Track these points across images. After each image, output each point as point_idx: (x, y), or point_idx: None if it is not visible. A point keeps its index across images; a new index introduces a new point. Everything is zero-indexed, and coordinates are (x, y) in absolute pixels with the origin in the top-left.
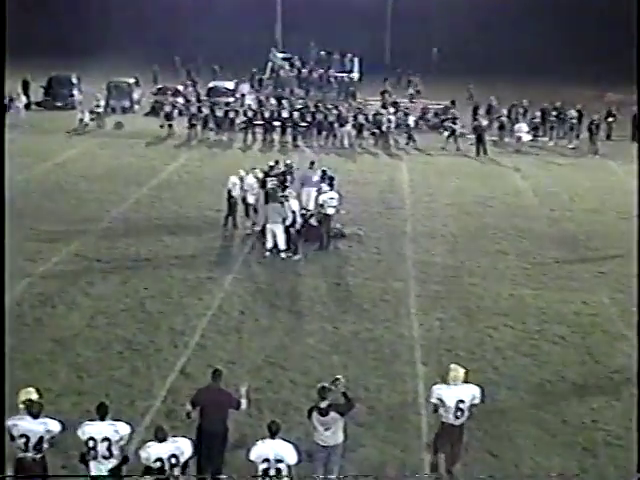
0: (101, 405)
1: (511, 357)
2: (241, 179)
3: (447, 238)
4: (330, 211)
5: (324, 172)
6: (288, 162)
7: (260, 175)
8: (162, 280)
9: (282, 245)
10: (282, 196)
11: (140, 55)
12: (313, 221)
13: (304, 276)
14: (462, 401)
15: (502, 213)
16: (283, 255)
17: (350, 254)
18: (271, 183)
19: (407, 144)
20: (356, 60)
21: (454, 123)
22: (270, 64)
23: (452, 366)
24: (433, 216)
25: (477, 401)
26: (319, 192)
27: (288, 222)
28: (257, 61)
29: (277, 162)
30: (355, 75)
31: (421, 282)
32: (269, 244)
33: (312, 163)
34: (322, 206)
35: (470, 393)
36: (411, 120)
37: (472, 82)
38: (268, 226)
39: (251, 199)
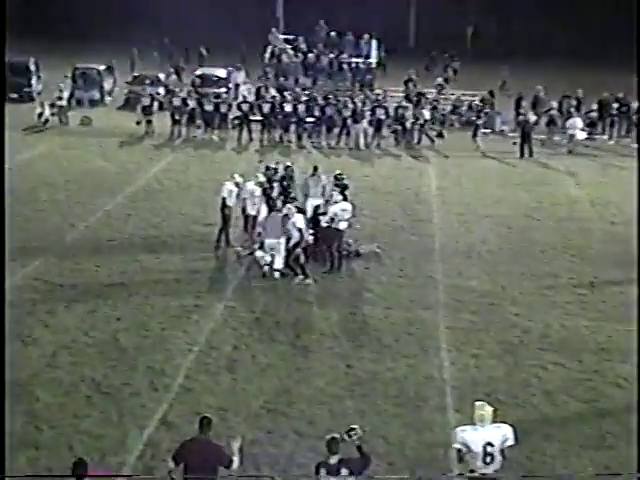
0: (79, 463)
1: (564, 403)
2: (237, 185)
3: (485, 258)
4: (342, 225)
5: (338, 178)
6: (288, 164)
7: (263, 179)
8: (139, 309)
9: (279, 264)
10: (278, 209)
11: (114, 36)
12: (324, 220)
13: (311, 304)
14: (491, 444)
15: (552, 227)
16: (277, 275)
17: (367, 277)
18: (275, 191)
19: (433, 142)
20: (374, 42)
21: (478, 117)
22: (270, 48)
23: (477, 404)
24: (468, 231)
25: (510, 442)
26: (328, 202)
27: (293, 241)
28: (254, 44)
29: (268, 167)
30: (373, 60)
31: (453, 311)
32: (266, 263)
33: (315, 169)
34: (332, 220)
35: (500, 434)
36: (426, 114)
37: (509, 67)
38: (267, 241)
39: (252, 210)
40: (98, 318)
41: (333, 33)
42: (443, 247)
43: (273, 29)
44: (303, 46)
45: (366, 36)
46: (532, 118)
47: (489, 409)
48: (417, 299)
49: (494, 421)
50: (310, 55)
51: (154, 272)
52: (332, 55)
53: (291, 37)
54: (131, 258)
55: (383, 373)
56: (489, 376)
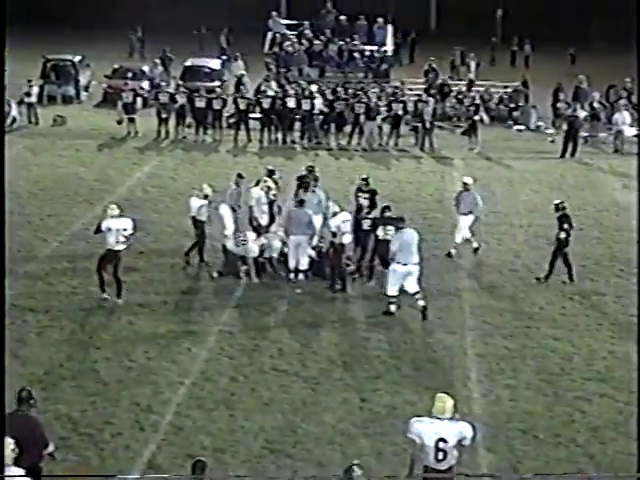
0: None
1: (613, 440)
2: (206, 197)
3: (519, 274)
4: (347, 239)
5: (366, 181)
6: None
7: (271, 184)
8: (121, 336)
9: (304, 264)
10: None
11: (92, 21)
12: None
13: (319, 328)
14: (444, 440)
15: (596, 238)
16: (301, 277)
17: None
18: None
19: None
20: (389, 27)
21: (476, 112)
22: (270, 35)
23: (439, 395)
24: (499, 243)
25: (467, 442)
26: (325, 217)
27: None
28: (252, 31)
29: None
30: (388, 48)
31: (484, 335)
32: (292, 262)
33: (315, 180)
34: (334, 234)
35: (456, 431)
36: (429, 108)
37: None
38: (292, 238)
39: (262, 219)
40: (75, 347)
41: (342, 17)
42: (471, 262)
43: (273, 13)
44: (308, 32)
45: (380, 20)
46: (582, 114)
47: (450, 402)
48: (441, 322)
49: (454, 417)
50: (316, 43)
51: (138, 293)
52: (342, 43)
53: (294, 22)
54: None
55: (402, 407)
56: (526, 410)
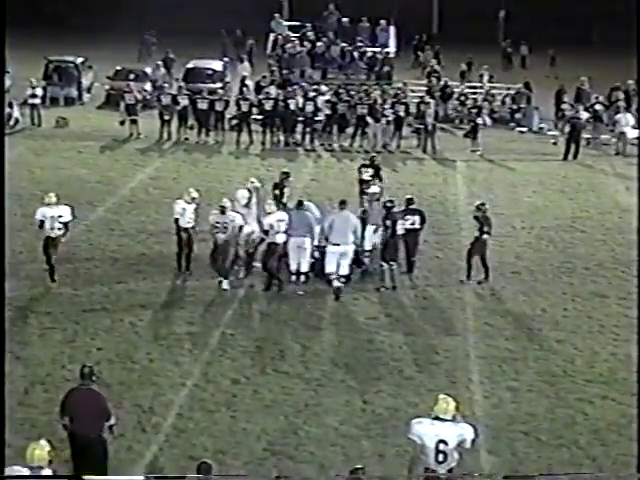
0: None
1: (615, 443)
2: (194, 200)
3: (522, 276)
4: (280, 238)
5: (369, 185)
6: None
7: (258, 185)
8: (123, 337)
9: (305, 266)
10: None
11: (94, 24)
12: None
13: (321, 330)
14: (444, 442)
15: (599, 240)
16: (302, 279)
17: (384, 298)
18: None
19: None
20: (392, 29)
21: (478, 114)
22: (272, 36)
23: (441, 396)
24: (501, 246)
25: (467, 445)
26: (259, 215)
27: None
28: (254, 32)
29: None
30: (391, 50)
31: (485, 337)
32: (293, 265)
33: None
34: (267, 232)
35: (456, 433)
36: (432, 110)
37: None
38: (293, 240)
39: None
40: (77, 349)
41: (345, 19)
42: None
43: (276, 15)
44: (310, 34)
45: (383, 22)
46: (584, 115)
47: (453, 404)
48: (443, 324)
49: (454, 418)
50: (319, 44)
51: (140, 295)
52: (344, 44)
53: (297, 24)
54: (114, 279)
55: (404, 409)
56: (528, 412)
